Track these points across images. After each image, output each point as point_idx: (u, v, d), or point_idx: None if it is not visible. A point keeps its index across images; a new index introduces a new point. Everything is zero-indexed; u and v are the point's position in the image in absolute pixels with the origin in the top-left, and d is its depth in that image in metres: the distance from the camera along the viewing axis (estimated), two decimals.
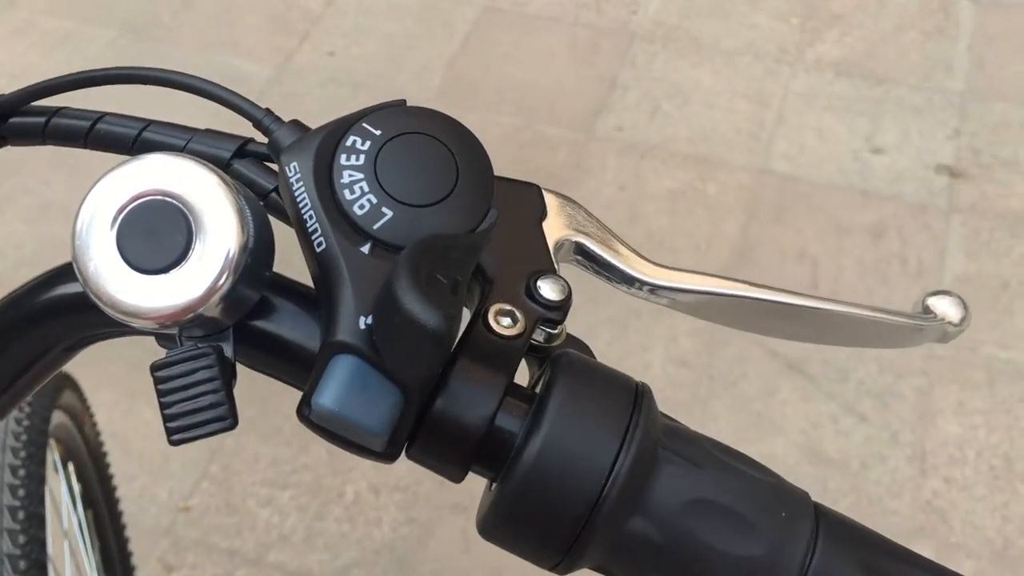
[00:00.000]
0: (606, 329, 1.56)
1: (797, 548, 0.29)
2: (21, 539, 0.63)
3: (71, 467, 0.99)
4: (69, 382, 0.91)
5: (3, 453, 0.68)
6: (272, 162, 0.35)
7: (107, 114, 0.36)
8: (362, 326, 0.28)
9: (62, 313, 0.34)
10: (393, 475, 1.41)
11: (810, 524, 0.29)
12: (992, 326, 1.57)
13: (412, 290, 0.25)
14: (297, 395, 0.30)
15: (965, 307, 0.38)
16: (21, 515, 0.65)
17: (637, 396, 0.29)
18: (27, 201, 1.76)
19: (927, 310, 0.38)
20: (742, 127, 1.87)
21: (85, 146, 0.36)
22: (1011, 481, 1.40)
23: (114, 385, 1.46)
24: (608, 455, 0.28)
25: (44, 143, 0.36)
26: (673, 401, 1.49)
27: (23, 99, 0.36)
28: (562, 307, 0.31)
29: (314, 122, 0.35)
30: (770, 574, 0.28)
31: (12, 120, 0.36)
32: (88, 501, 1.02)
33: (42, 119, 0.36)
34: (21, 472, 0.68)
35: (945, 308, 0.38)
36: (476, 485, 1.26)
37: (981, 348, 1.53)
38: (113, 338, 0.35)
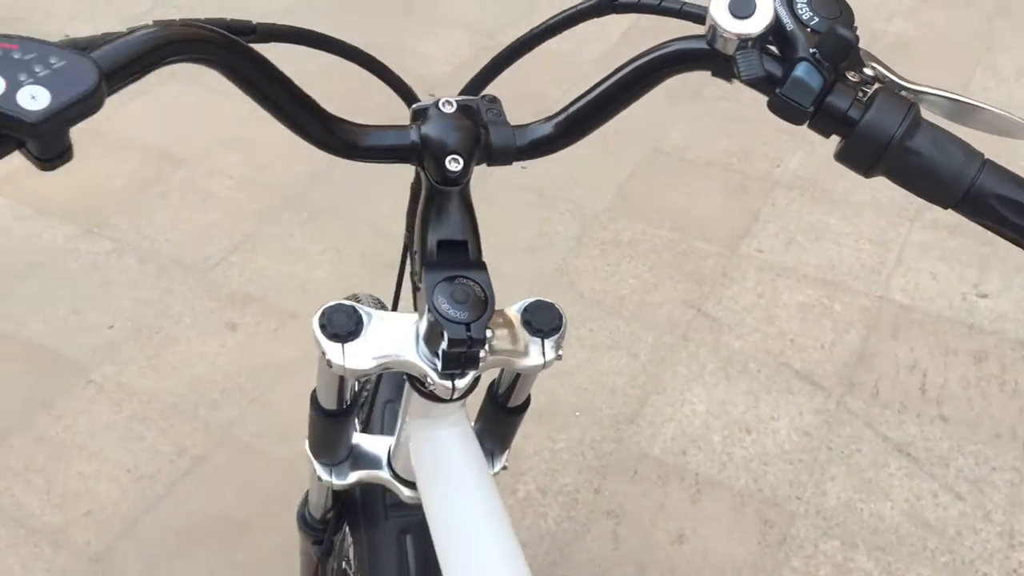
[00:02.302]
0: (742, 400, 1.86)
1: (975, 162, 0.59)
2: None
3: None
4: None
5: None
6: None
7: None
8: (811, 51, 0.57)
9: (683, 59, 0.62)
10: (557, 482, 1.70)
11: (982, 157, 0.58)
12: None
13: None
14: None
15: None
16: None
17: (911, 107, 0.58)
18: (276, 248, 2.18)
19: None
20: (865, 263, 2.20)
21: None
22: None
23: None
24: (901, 119, 0.57)
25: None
26: (795, 462, 1.76)
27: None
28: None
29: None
30: (962, 175, 0.58)
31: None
32: None
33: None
34: None
35: None
36: (627, 503, 1.65)
37: None
38: (698, 71, 0.62)
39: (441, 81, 2.70)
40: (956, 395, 1.89)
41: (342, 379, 0.68)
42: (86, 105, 0.44)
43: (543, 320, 0.65)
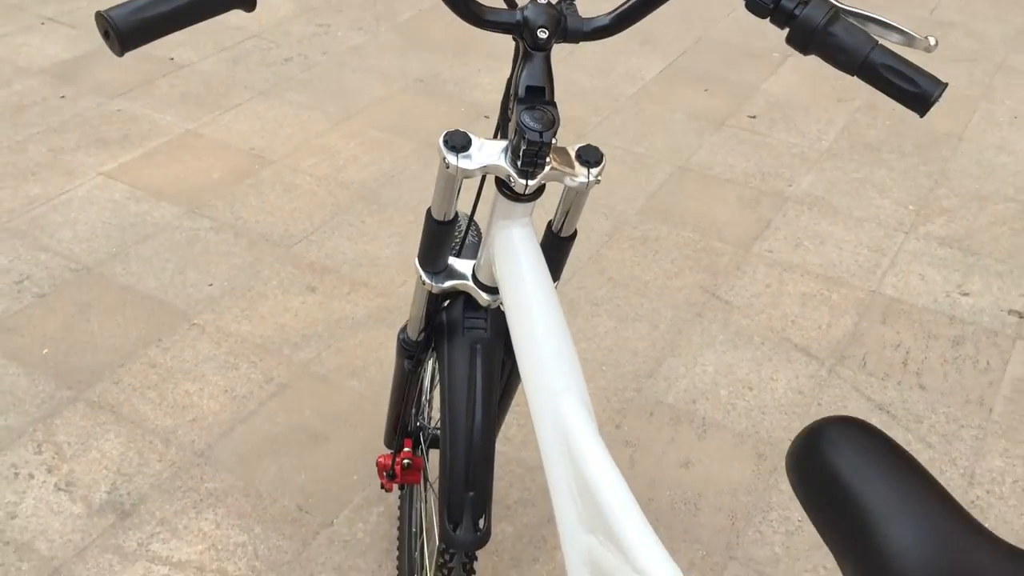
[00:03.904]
0: (747, 365, 2.15)
1: (871, 43, 0.87)
2: None
3: None
4: None
5: None
6: None
7: None
8: None
9: None
10: None
11: (876, 41, 0.88)
12: None
13: None
14: None
15: (937, 43, 1.01)
16: None
17: (833, 7, 0.93)
18: (350, 231, 2.54)
19: (925, 38, 1.00)
20: (863, 264, 2.50)
21: None
22: None
23: None
24: (825, 13, 0.91)
25: None
26: (788, 413, 2.05)
27: None
28: None
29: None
30: (861, 50, 0.87)
31: None
32: None
33: None
34: None
35: (930, 41, 0.99)
36: (643, 437, 2.08)
37: None
38: None
39: (494, 106, 3.07)
40: (934, 369, 2.18)
41: (452, 191, 1.01)
42: None
43: (590, 156, 0.97)
